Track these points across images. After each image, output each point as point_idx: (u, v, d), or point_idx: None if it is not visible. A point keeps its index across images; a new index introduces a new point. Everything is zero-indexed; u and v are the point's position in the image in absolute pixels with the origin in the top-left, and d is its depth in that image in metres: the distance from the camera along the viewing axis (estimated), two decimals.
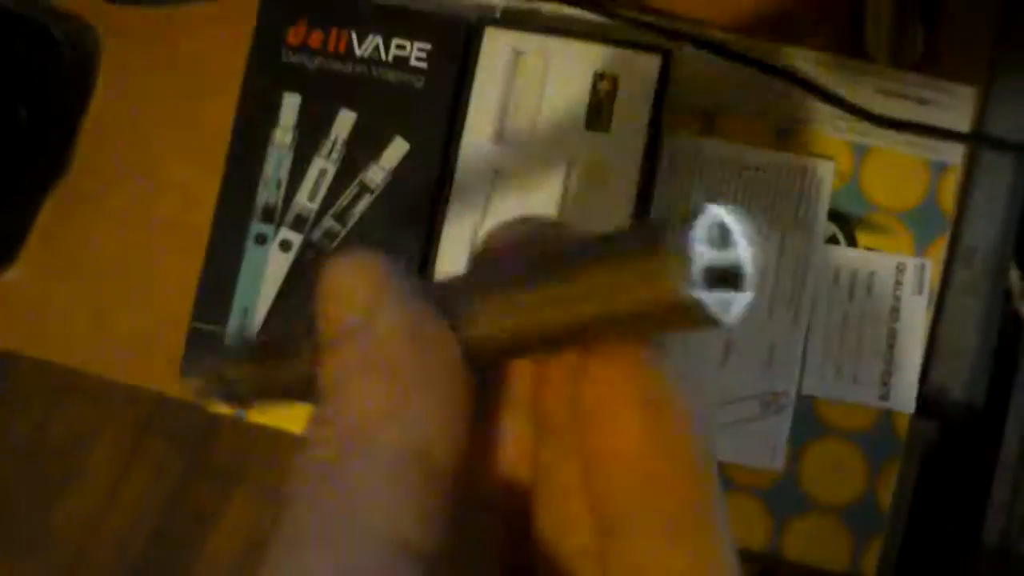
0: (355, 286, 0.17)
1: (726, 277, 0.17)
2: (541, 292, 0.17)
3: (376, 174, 0.53)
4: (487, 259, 0.20)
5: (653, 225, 0.17)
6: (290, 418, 0.56)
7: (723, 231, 0.17)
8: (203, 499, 1.34)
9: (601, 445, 0.17)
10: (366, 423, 0.16)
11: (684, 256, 0.16)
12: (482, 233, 0.20)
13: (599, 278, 0.17)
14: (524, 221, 0.20)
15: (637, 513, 0.17)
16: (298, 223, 0.54)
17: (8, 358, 0.66)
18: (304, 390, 0.19)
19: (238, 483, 1.33)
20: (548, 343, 0.18)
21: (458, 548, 0.18)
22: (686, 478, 0.17)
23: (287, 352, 0.21)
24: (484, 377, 0.19)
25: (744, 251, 0.17)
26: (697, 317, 0.17)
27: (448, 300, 0.18)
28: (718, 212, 0.17)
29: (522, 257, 0.18)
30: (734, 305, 0.17)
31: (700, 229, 0.17)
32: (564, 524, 0.19)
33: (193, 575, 1.33)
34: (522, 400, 0.19)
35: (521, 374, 0.20)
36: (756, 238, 0.17)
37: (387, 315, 0.17)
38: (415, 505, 0.16)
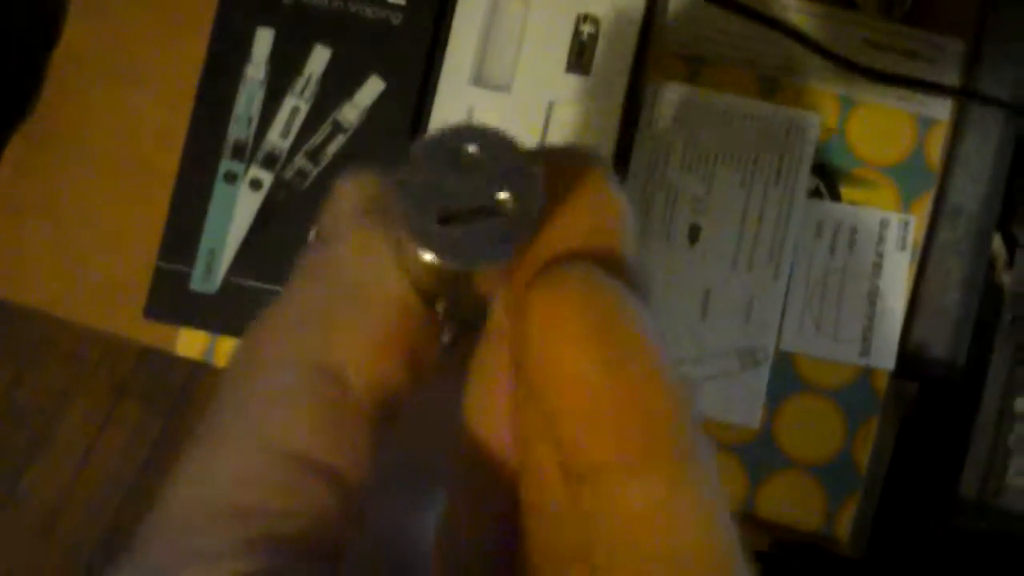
0: (344, 199, 0.17)
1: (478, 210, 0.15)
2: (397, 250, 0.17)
3: (350, 113, 0.52)
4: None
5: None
6: None
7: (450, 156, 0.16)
8: None
9: (549, 380, 0.15)
10: (283, 327, 0.16)
11: (404, 216, 0.15)
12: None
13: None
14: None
15: (600, 446, 0.14)
16: (269, 161, 0.52)
17: None
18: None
19: None
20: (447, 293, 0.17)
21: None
22: (647, 399, 0.14)
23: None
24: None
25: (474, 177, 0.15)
26: (457, 266, 0.15)
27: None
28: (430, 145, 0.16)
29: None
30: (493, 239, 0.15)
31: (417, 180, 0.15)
32: (541, 487, 0.16)
33: None
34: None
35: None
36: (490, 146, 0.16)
37: (352, 234, 0.17)
38: (317, 421, 0.16)
